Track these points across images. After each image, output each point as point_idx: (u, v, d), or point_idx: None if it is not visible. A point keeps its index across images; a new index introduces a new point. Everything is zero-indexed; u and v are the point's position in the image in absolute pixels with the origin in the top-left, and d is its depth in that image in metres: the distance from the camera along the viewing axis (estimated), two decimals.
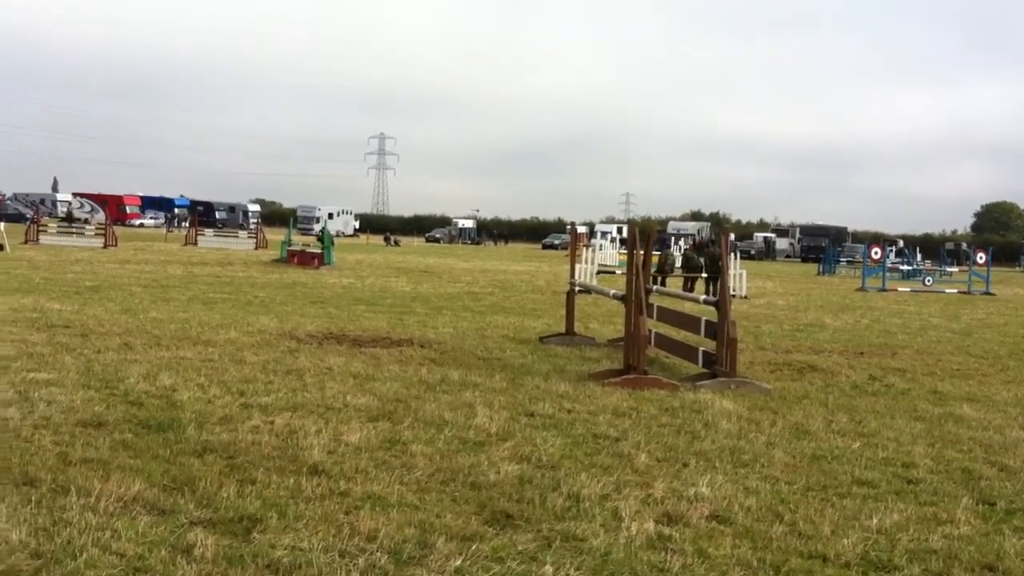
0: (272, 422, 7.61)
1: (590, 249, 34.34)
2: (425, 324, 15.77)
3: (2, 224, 38.12)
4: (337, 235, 61.79)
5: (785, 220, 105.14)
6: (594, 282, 24.19)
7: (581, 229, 68.86)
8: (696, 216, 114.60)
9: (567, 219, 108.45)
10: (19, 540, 4.73)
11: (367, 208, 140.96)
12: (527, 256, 61.85)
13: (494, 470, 6.48)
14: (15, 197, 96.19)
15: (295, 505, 5.52)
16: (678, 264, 32.16)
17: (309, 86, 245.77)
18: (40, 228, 42.23)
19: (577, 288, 14.91)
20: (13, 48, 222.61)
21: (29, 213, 63.55)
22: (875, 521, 5.76)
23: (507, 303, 21.53)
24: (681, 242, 52.82)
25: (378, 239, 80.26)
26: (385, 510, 5.51)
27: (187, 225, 60.43)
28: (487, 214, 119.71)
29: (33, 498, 5.38)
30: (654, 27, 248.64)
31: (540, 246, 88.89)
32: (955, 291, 34.06)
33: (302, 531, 5.09)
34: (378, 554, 4.85)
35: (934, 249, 70.24)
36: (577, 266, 17.96)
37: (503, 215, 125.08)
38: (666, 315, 12.69)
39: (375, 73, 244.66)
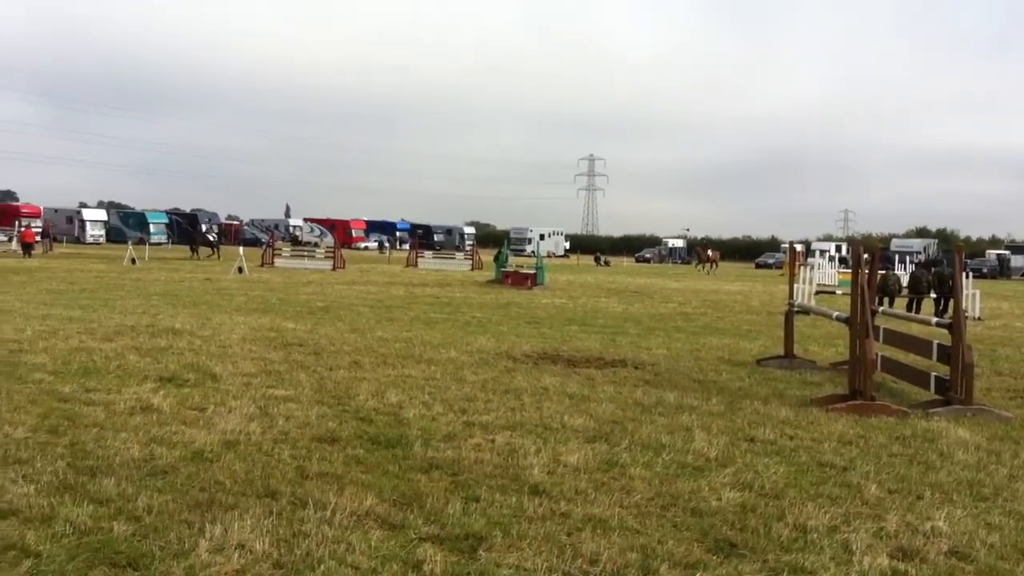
0: (493, 440, 7.79)
1: (808, 268, 33.24)
2: (638, 345, 15.72)
3: (241, 248, 40.97)
4: (548, 256, 62.55)
5: (1020, 236, 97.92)
6: (812, 303, 23.40)
7: (797, 247, 66.72)
8: (921, 233, 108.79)
9: (781, 237, 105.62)
10: (262, 550, 5.04)
11: (577, 229, 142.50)
12: (740, 276, 60.53)
13: (715, 496, 6.37)
14: (252, 223, 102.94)
15: (518, 524, 5.61)
16: (903, 284, 30.58)
17: (521, 111, 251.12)
18: (275, 252, 44.84)
19: (795, 309, 14.46)
20: (254, 86, 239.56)
21: (265, 238, 67.95)
22: None
23: (721, 324, 21.15)
24: (907, 260, 50.26)
25: (588, 259, 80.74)
26: (606, 533, 5.51)
27: (407, 247, 62.99)
28: (697, 233, 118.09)
29: (274, 510, 5.72)
30: (867, 45, 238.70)
31: (753, 265, 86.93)
32: None
33: (526, 551, 5.16)
34: None
35: None
36: (795, 286, 17.41)
37: (713, 234, 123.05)
38: (894, 338, 12.10)
39: (585, 96, 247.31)
